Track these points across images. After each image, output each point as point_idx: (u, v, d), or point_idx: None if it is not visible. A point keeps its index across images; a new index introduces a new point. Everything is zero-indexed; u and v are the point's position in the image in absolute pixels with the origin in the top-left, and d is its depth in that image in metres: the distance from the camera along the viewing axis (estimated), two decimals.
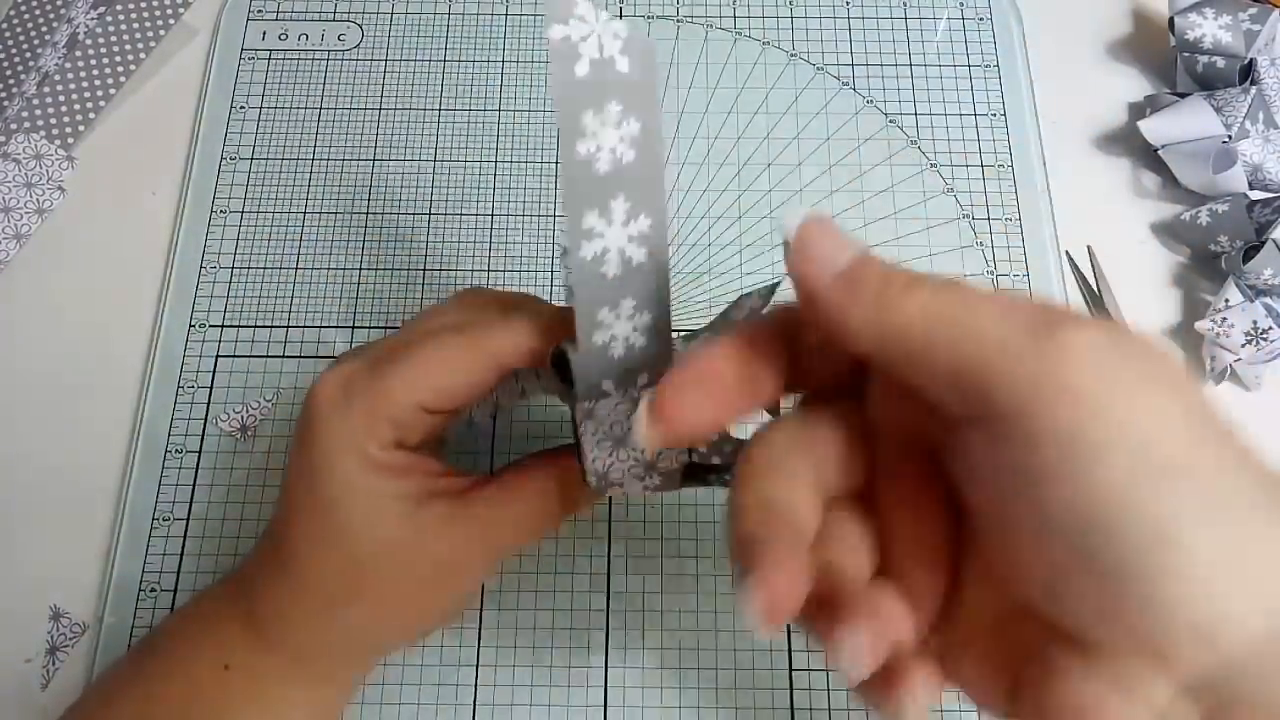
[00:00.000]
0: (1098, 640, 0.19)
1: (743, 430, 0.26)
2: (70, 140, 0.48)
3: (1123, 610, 0.18)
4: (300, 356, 0.43)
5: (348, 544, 0.28)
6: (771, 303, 0.30)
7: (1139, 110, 0.48)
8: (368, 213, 0.46)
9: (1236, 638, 0.17)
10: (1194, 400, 0.19)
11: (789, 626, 0.37)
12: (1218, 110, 0.44)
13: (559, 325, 0.27)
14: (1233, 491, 0.18)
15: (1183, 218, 0.44)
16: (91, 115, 0.48)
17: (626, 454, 0.28)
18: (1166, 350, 0.19)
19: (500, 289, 0.31)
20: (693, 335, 0.32)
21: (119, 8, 0.50)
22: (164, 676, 0.30)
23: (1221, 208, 0.43)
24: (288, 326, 0.43)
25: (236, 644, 0.30)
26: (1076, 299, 0.44)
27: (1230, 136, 0.44)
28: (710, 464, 0.28)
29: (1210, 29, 0.45)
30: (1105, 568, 0.18)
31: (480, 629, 0.38)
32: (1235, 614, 0.17)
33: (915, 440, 0.22)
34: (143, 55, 0.49)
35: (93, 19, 0.50)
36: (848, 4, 0.51)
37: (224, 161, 0.47)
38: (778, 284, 0.29)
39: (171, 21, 0.50)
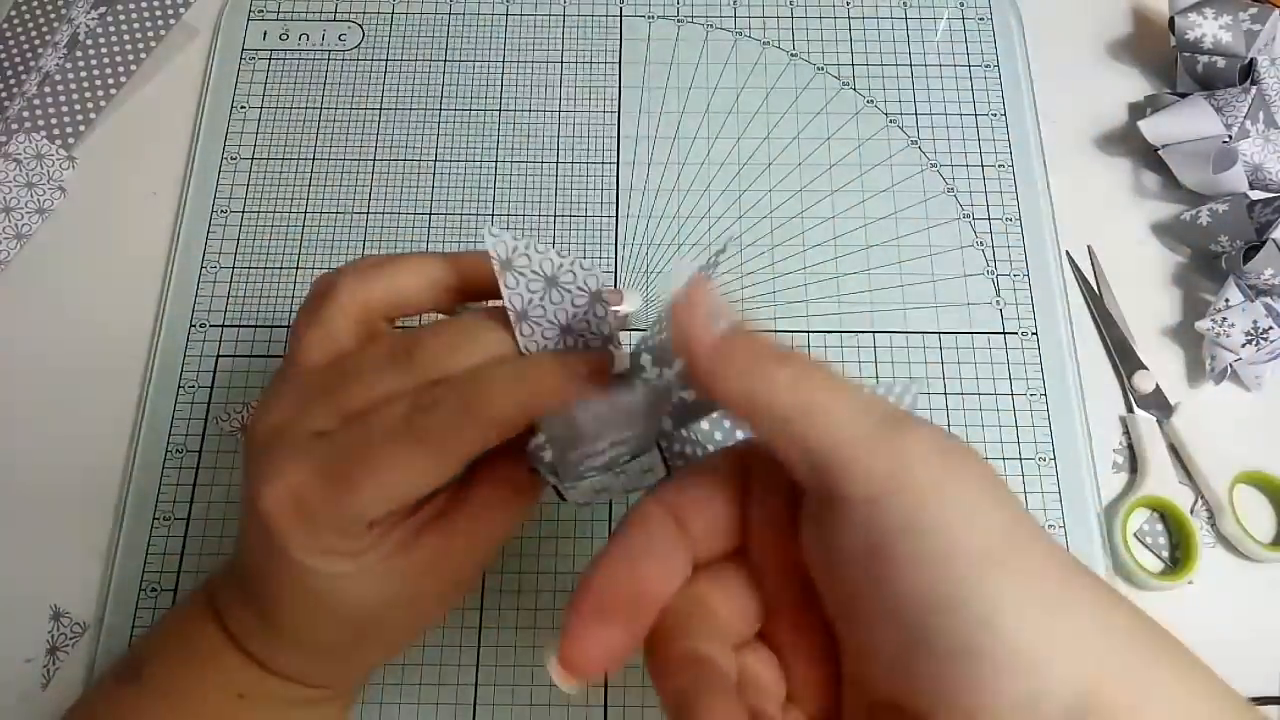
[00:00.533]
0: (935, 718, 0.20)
1: None
2: (71, 140, 0.48)
3: (957, 689, 0.20)
4: None
5: (350, 619, 0.28)
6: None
7: (1139, 110, 0.48)
8: (368, 213, 0.46)
9: (1052, 712, 0.19)
10: (1006, 496, 0.21)
11: None
12: (1218, 110, 0.44)
13: (526, 393, 0.25)
14: (1041, 577, 0.20)
15: (1183, 217, 0.44)
16: (92, 115, 0.48)
17: (608, 493, 0.28)
18: (976, 452, 0.22)
19: (436, 322, 0.29)
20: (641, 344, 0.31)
21: (119, 8, 0.50)
22: (171, 710, 0.30)
23: (1222, 208, 0.43)
24: (288, 326, 0.43)
25: (245, 674, 0.30)
26: (1077, 299, 0.44)
27: (1230, 136, 0.44)
28: (683, 453, 0.29)
29: (1210, 29, 0.45)
30: (939, 648, 0.20)
31: (480, 629, 0.38)
32: (1050, 691, 0.19)
33: (792, 570, 0.24)
34: (143, 55, 0.49)
35: (93, 19, 0.50)
36: (848, 4, 0.51)
37: (224, 161, 0.47)
38: (722, 250, 0.29)
39: (172, 21, 0.50)
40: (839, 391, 0.21)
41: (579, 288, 0.27)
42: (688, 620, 0.23)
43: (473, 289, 0.29)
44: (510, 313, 0.27)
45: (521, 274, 0.26)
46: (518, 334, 0.27)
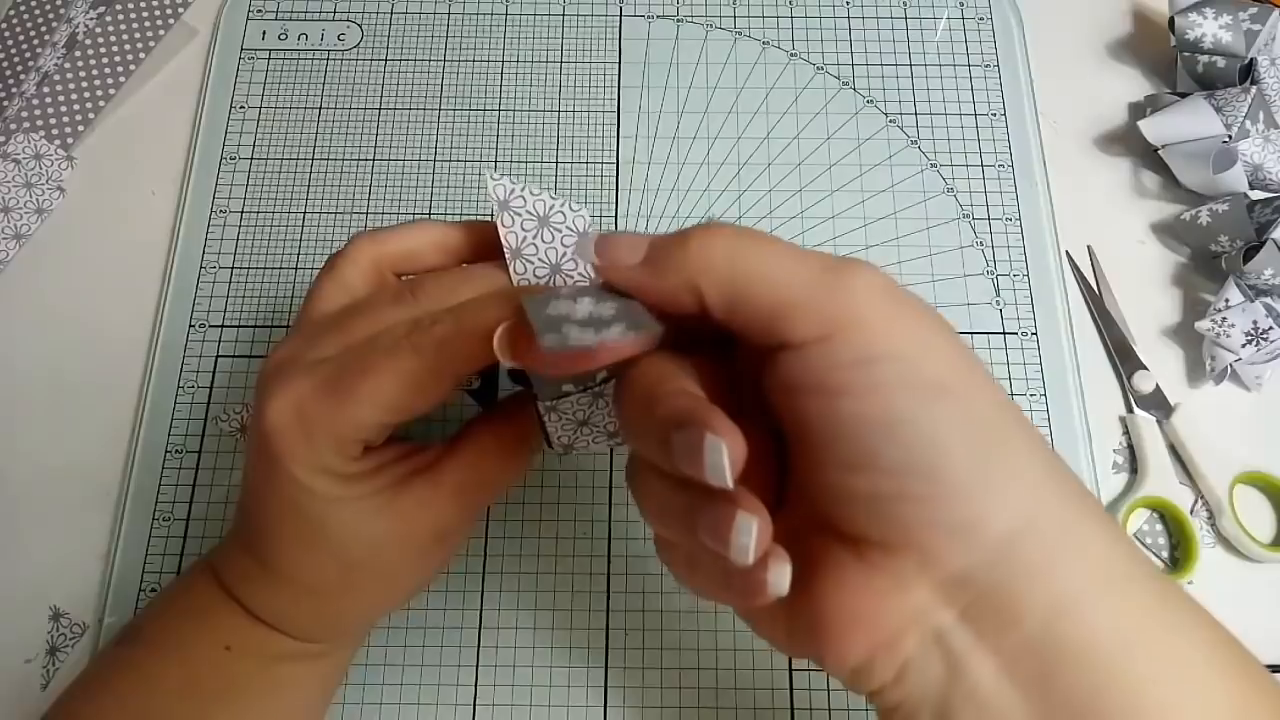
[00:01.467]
0: (875, 539, 0.22)
1: None
2: (70, 140, 0.48)
3: (900, 509, 0.21)
4: None
5: (338, 551, 0.28)
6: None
7: (1139, 110, 0.48)
8: (368, 213, 0.46)
9: (988, 537, 0.21)
10: (953, 336, 0.22)
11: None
12: (1218, 110, 0.44)
13: (513, 314, 0.26)
14: (984, 409, 0.22)
15: (1183, 217, 0.44)
16: (91, 115, 0.48)
17: (590, 429, 0.29)
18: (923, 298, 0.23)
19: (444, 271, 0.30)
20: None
21: (118, 7, 0.50)
22: (160, 660, 0.30)
23: (1222, 208, 0.43)
24: (288, 326, 0.43)
25: (235, 627, 0.30)
26: (1077, 299, 0.44)
27: (1230, 136, 0.44)
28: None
29: (1210, 29, 0.45)
30: (886, 466, 0.21)
31: (480, 629, 0.38)
32: (987, 516, 0.21)
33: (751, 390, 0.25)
34: (142, 55, 0.49)
35: (92, 19, 0.50)
36: (848, 4, 0.51)
37: (224, 161, 0.47)
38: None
39: (171, 21, 0.50)
40: (774, 252, 0.22)
41: (568, 228, 0.28)
42: (675, 370, 0.24)
43: (480, 252, 0.30)
44: (506, 250, 0.28)
45: (517, 214, 0.28)
46: (511, 271, 0.28)
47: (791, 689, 0.37)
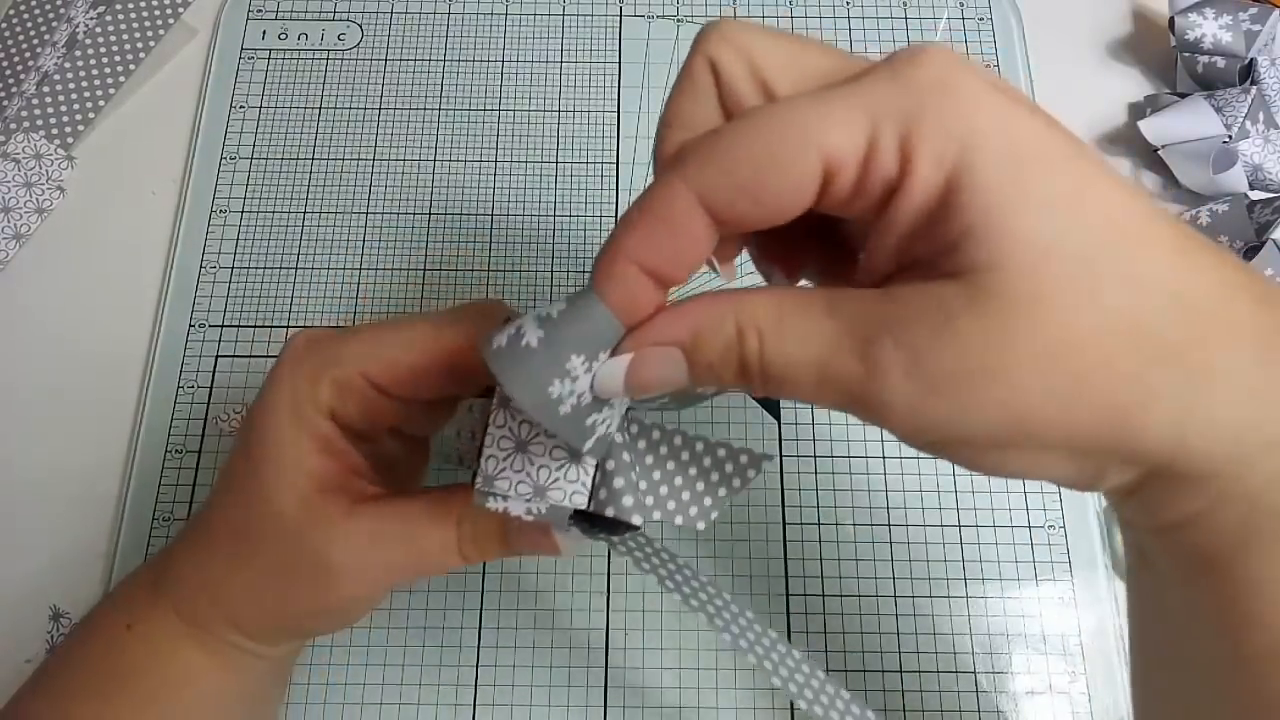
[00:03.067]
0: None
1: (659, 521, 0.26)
2: (70, 140, 0.47)
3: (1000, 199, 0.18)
4: None
5: (251, 503, 0.28)
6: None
7: (1139, 110, 0.48)
8: (367, 212, 0.46)
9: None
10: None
11: (789, 629, 0.38)
12: (1218, 110, 0.44)
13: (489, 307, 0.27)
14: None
15: (1183, 218, 0.44)
16: (91, 115, 0.48)
17: (522, 463, 0.25)
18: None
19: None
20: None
21: (118, 7, 0.50)
22: (79, 638, 0.30)
23: (1222, 208, 0.43)
24: (287, 326, 0.43)
25: (140, 603, 0.30)
26: None
27: (1230, 136, 0.44)
28: (604, 516, 0.25)
29: (1210, 29, 0.45)
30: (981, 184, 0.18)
31: (480, 629, 0.38)
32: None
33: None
34: (142, 54, 0.49)
35: (92, 18, 0.49)
36: (848, 3, 0.51)
37: (224, 161, 0.47)
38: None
39: (171, 21, 0.50)
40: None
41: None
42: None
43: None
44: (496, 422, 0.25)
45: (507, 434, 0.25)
46: (492, 423, 0.25)
47: None
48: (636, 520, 0.24)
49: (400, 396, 0.28)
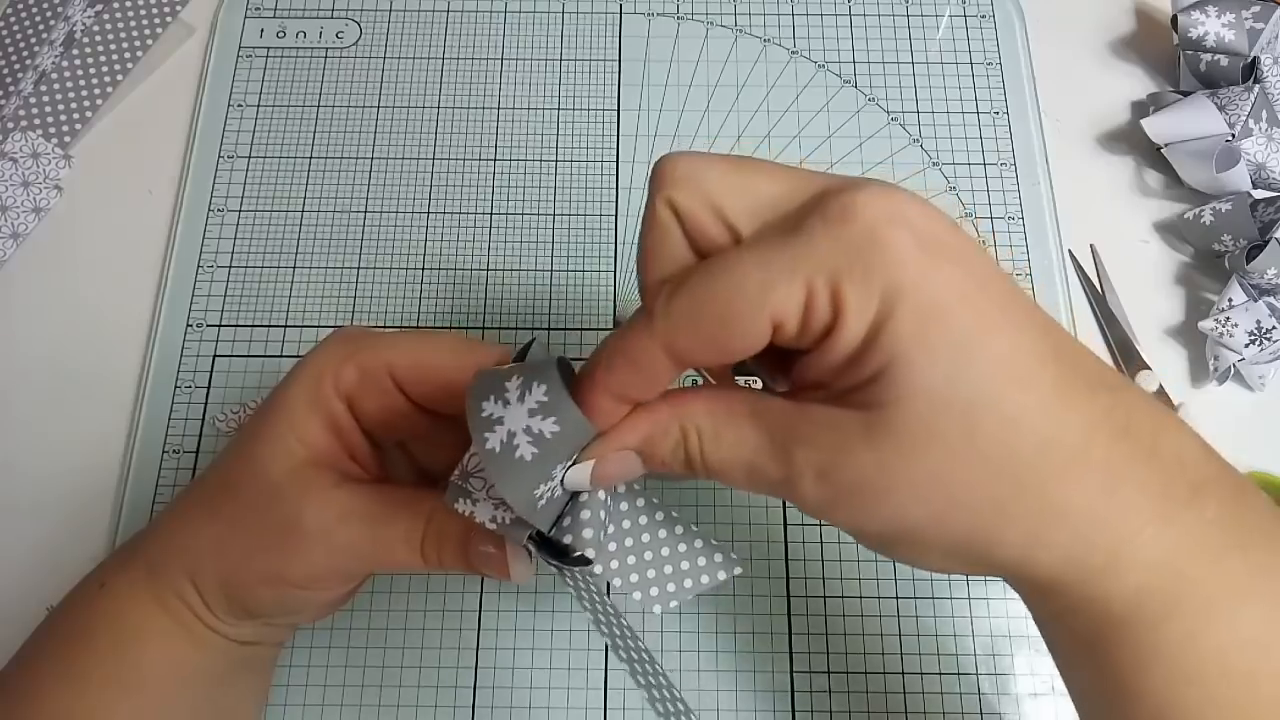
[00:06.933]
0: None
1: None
2: (67, 139, 0.47)
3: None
4: (298, 356, 0.43)
5: (243, 463, 0.29)
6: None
7: (1142, 108, 0.48)
8: (366, 211, 0.46)
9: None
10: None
11: (790, 629, 0.37)
12: (1221, 109, 0.44)
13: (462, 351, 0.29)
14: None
15: (1186, 216, 0.44)
16: (89, 113, 0.48)
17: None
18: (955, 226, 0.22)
19: None
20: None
21: (116, 5, 0.50)
22: (58, 604, 0.31)
23: (1225, 206, 0.43)
24: (285, 326, 0.43)
25: (116, 560, 0.30)
26: (1080, 298, 0.44)
27: (1233, 135, 0.43)
28: (562, 545, 0.26)
29: (1213, 27, 0.45)
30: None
31: (479, 630, 0.38)
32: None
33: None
34: (140, 53, 0.49)
35: (90, 17, 0.49)
36: (849, 1, 0.51)
37: (221, 160, 0.47)
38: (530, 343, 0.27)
39: (169, 19, 0.50)
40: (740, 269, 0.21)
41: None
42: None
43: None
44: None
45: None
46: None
47: (792, 690, 0.37)
48: (590, 555, 0.25)
49: (419, 401, 0.29)
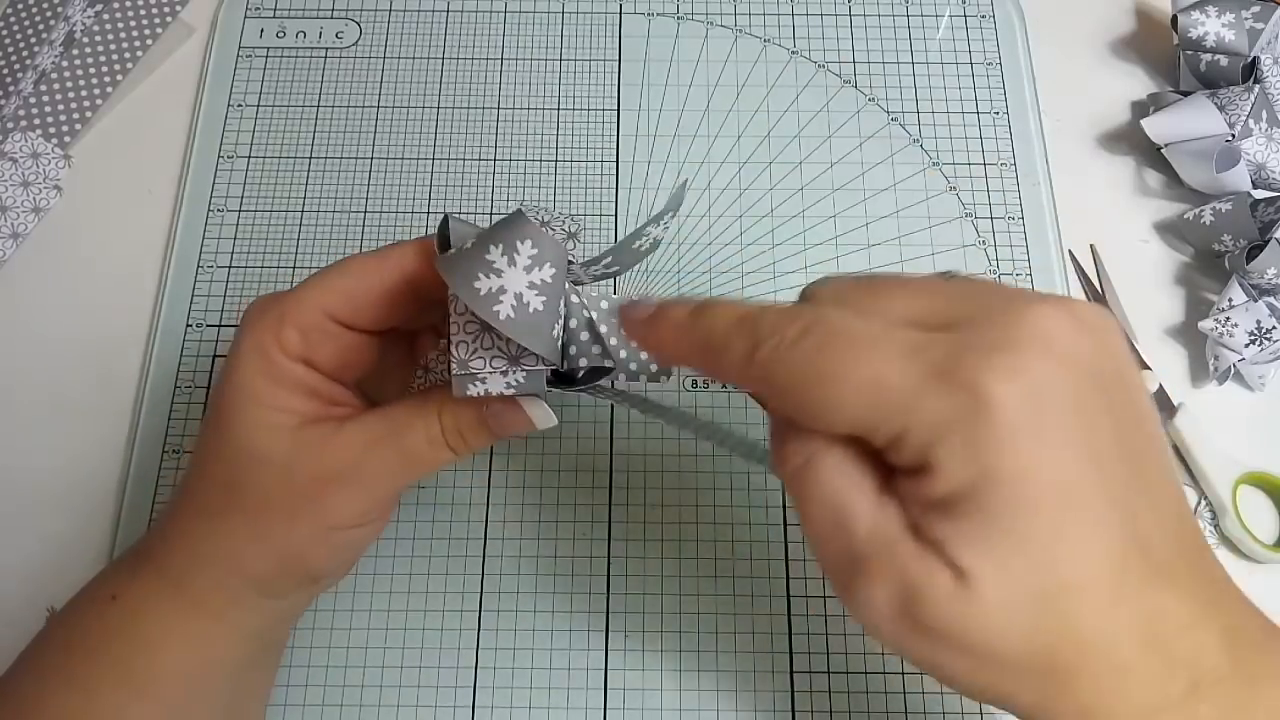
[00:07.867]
0: None
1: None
2: (67, 139, 0.47)
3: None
4: None
5: (230, 454, 0.28)
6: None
7: (1142, 108, 0.48)
8: (365, 211, 0.46)
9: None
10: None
11: (790, 629, 0.37)
12: (1221, 109, 0.44)
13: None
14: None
15: (1186, 216, 0.44)
16: (88, 113, 0.48)
17: (491, 340, 0.26)
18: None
19: None
20: (594, 262, 0.30)
21: (115, 5, 0.50)
22: (60, 616, 0.30)
23: (1225, 206, 0.43)
24: None
25: (124, 573, 0.30)
26: (1080, 298, 0.44)
27: (1234, 135, 0.43)
28: (574, 373, 0.28)
29: (1213, 27, 0.45)
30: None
31: (479, 630, 0.38)
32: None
33: None
34: (139, 53, 0.49)
35: (89, 17, 0.49)
36: (849, 1, 0.51)
37: (221, 160, 0.47)
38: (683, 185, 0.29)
39: (169, 19, 0.50)
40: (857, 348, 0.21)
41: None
42: None
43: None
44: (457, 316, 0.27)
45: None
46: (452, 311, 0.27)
47: (792, 690, 0.37)
48: (609, 364, 0.27)
49: (365, 328, 0.29)
